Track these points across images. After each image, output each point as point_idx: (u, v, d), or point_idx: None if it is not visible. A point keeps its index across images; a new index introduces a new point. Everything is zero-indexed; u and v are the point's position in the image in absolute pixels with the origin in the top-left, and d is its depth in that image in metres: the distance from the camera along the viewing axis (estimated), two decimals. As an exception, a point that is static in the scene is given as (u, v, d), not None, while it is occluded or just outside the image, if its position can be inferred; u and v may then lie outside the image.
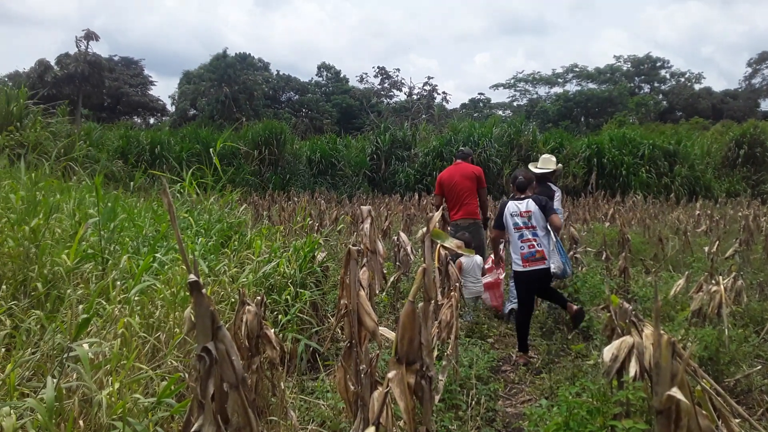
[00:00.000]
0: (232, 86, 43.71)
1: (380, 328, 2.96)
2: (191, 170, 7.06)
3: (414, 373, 2.44)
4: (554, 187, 6.99)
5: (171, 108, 52.64)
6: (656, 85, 63.46)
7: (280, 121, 27.16)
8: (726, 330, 4.56)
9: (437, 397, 3.93)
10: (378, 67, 51.23)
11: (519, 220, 5.47)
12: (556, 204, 6.73)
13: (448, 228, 7.62)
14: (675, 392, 1.61)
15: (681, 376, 1.67)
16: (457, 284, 4.77)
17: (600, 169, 22.09)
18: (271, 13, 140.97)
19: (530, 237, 5.42)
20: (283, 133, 23.60)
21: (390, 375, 2.42)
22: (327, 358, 4.79)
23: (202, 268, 4.77)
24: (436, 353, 4.56)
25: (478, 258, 6.67)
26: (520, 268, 5.42)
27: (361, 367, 2.89)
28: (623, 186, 21.68)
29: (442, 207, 5.47)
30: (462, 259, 6.47)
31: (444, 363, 4.17)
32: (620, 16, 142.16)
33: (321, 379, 4.40)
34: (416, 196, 18.44)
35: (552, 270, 5.45)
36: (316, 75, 58.20)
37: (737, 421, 3.76)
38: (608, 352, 3.23)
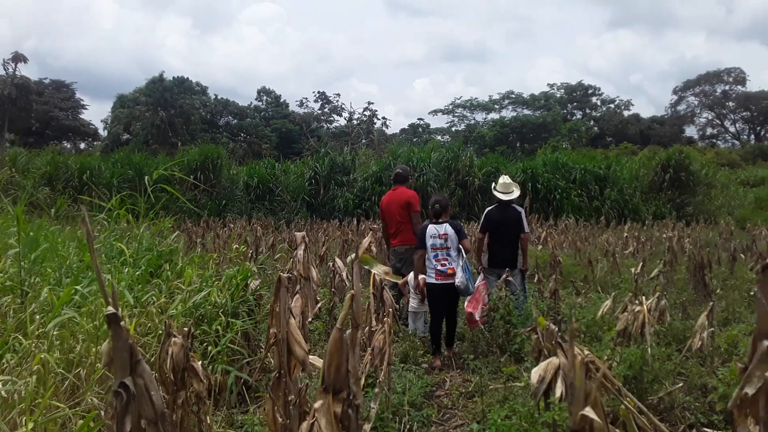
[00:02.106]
0: (168, 110, 42.97)
1: (311, 356, 2.93)
2: (119, 196, 6.86)
3: (341, 402, 2.42)
4: (519, 208, 7.38)
5: (103, 132, 51.30)
6: (588, 111, 65.93)
7: (217, 146, 26.73)
8: (649, 349, 4.72)
9: (368, 426, 3.91)
10: (318, 92, 51.56)
11: (437, 242, 6.24)
12: (525, 223, 7.36)
13: (390, 254, 7.70)
14: (588, 412, 1.66)
15: (594, 396, 1.72)
16: (391, 310, 4.77)
17: (534, 193, 22.70)
18: (210, 37, 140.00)
19: (445, 256, 6.21)
20: (220, 157, 23.28)
21: (316, 405, 2.38)
22: (258, 389, 4.69)
23: (128, 299, 4.62)
24: (369, 380, 4.56)
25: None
26: (432, 281, 6.19)
27: (289, 398, 2.85)
28: (556, 209, 22.33)
29: (367, 235, 5.56)
30: (410, 276, 6.64)
31: (376, 390, 4.16)
32: (555, 44, 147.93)
33: (251, 412, 4.30)
34: (355, 222, 18.46)
35: (456, 284, 6.07)
36: (256, 99, 57.94)
37: (660, 437, 3.88)
38: (535, 373, 3.29)
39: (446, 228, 6.29)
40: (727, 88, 66.76)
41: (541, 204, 22.54)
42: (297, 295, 4.73)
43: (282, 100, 57.26)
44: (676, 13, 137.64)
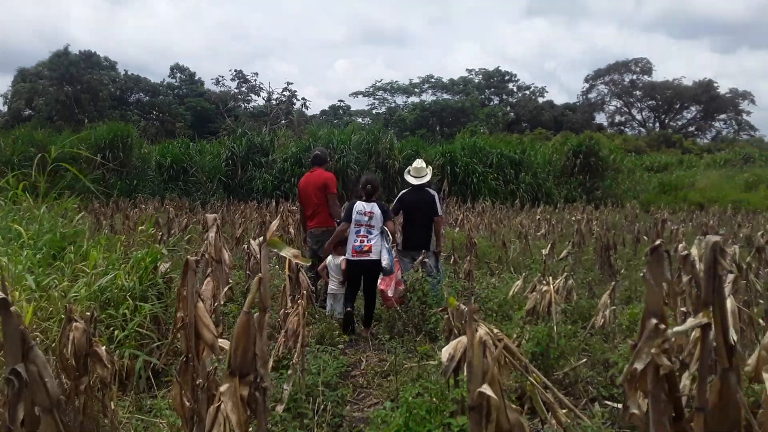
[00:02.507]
0: (74, 85, 40.70)
1: (220, 340, 2.87)
2: (12, 174, 6.46)
3: (248, 385, 2.39)
4: (432, 191, 7.46)
5: (2, 108, 48.02)
6: (505, 97, 67.48)
7: (127, 124, 25.59)
8: (555, 327, 4.92)
9: (281, 407, 3.89)
10: (235, 71, 49.90)
11: (362, 218, 6.46)
12: (439, 206, 7.45)
13: (306, 236, 7.64)
14: (485, 389, 1.70)
15: (492, 374, 1.77)
16: (306, 292, 4.74)
17: (453, 176, 23.11)
18: (120, 10, 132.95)
19: (365, 234, 6.44)
20: (131, 136, 22.31)
21: (222, 389, 2.35)
22: (167, 374, 4.57)
23: (29, 283, 4.38)
24: (284, 362, 4.52)
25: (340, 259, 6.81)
26: (350, 257, 6.47)
27: (198, 382, 2.79)
28: (474, 192, 22.84)
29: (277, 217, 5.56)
30: (328, 259, 6.77)
31: (290, 372, 4.14)
32: (474, 30, 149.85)
33: (161, 397, 4.19)
34: (274, 203, 18.21)
35: (383, 265, 6.29)
36: (169, 76, 55.58)
37: (564, 411, 4.06)
38: (446, 352, 3.36)
39: (374, 207, 6.51)
40: (634, 77, 70.02)
41: (459, 187, 22.97)
42: (208, 278, 4.62)
43: (197, 77, 55.34)
44: (589, 4, 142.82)
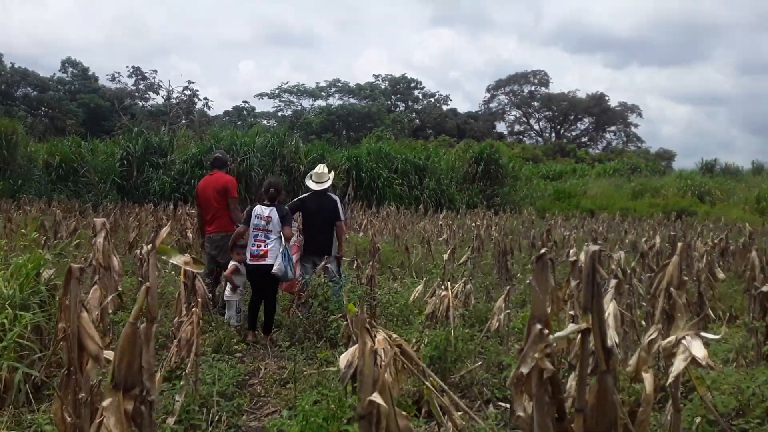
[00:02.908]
0: (-48, 77, 37.66)
1: (106, 351, 2.72)
2: None
3: (133, 399, 2.28)
4: (334, 196, 7.44)
5: None
6: (410, 103, 68.68)
7: (12, 120, 23.87)
8: (452, 331, 5.02)
9: (172, 419, 3.74)
10: (133, 67, 47.85)
11: (260, 223, 6.39)
12: (341, 211, 7.40)
13: (205, 241, 7.41)
14: (375, 397, 1.70)
15: (382, 381, 1.77)
16: (201, 300, 4.59)
17: (359, 181, 23.21)
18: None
19: (263, 238, 6.36)
20: (16, 132, 20.79)
21: (105, 403, 2.23)
22: (49, 387, 4.29)
23: None
24: (178, 372, 4.35)
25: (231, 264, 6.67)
26: (248, 261, 6.38)
27: (80, 396, 2.64)
28: (379, 197, 23.03)
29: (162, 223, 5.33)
30: (235, 263, 6.60)
31: (182, 383, 3.99)
32: (381, 37, 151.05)
33: (42, 411, 3.93)
34: (172, 206, 17.57)
35: (273, 270, 6.19)
36: (60, 71, 52.52)
37: (460, 413, 4.13)
38: (344, 358, 3.35)
39: (272, 212, 6.43)
40: (533, 88, 73.28)
41: (364, 192, 23.09)
42: (95, 286, 4.39)
43: (91, 73, 52.49)
44: (492, 16, 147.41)
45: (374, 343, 3.42)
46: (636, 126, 70.42)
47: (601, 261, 1.73)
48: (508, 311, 5.59)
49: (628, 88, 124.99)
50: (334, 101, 61.68)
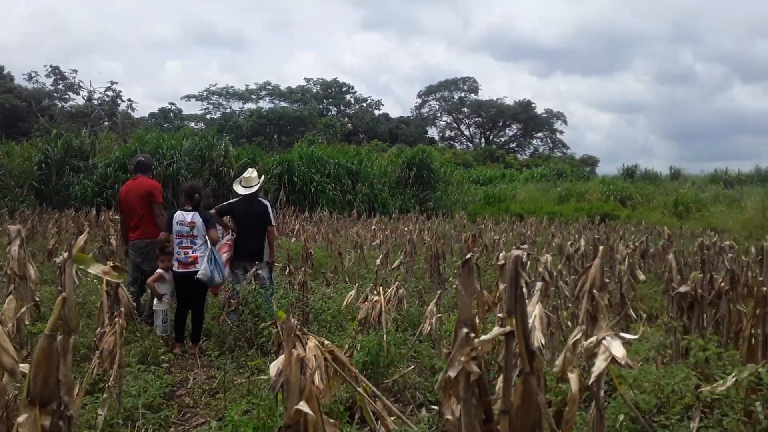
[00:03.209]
0: None
1: (22, 364, 2.58)
2: None
3: (50, 415, 2.18)
4: (265, 201, 7.35)
5: None
6: (342, 108, 68.70)
7: None
8: (385, 336, 5.03)
9: (94, 436, 3.59)
10: (51, 66, 45.75)
11: (183, 229, 6.24)
12: (272, 216, 7.33)
13: (129, 249, 7.15)
14: (302, 406, 1.68)
15: (309, 389, 1.75)
16: (123, 309, 4.43)
17: (291, 185, 22.98)
18: None
19: (188, 245, 6.23)
20: None
21: (20, 419, 2.13)
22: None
23: None
24: (101, 385, 4.18)
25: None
26: (176, 268, 6.22)
27: (-7, 414, 2.50)
28: (312, 202, 22.86)
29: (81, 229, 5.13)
30: (160, 271, 6.37)
31: (105, 396, 3.83)
32: (312, 40, 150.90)
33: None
34: (94, 212, 16.89)
35: (198, 275, 6.09)
36: (-31, 69, 49.68)
37: (393, 418, 4.14)
38: (274, 366, 3.30)
39: (194, 216, 6.29)
40: (462, 95, 74.69)
41: (297, 196, 22.88)
42: (10, 296, 4.17)
43: (6, 71, 49.90)
44: (421, 21, 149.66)
45: (304, 350, 3.41)
46: (561, 132, 72.95)
47: (524, 265, 1.77)
48: (439, 315, 5.65)
49: (554, 96, 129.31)
50: (265, 104, 61.04)
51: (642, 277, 8.45)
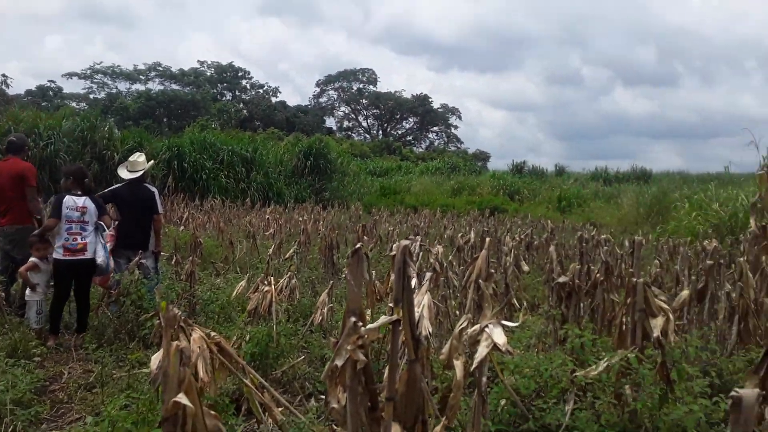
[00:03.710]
0: None
1: None
2: None
3: None
4: (152, 188, 7.05)
5: None
6: (238, 93, 67.09)
7: None
8: (275, 326, 4.96)
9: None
10: None
11: (73, 214, 5.90)
12: (159, 204, 7.01)
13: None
14: (181, 398, 1.61)
15: (189, 381, 1.68)
16: None
17: (181, 172, 22.13)
18: None
19: (78, 231, 5.90)
20: None
21: None
22: None
23: None
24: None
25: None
26: (60, 257, 5.84)
27: None
28: (203, 190, 22.13)
29: None
30: (35, 260, 5.91)
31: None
32: (207, 21, 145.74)
33: None
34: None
35: (98, 262, 5.92)
36: None
37: (280, 409, 4.09)
38: (155, 359, 3.17)
39: (86, 201, 6.03)
40: (361, 86, 74.99)
41: (187, 183, 22.07)
42: None
43: None
44: (321, 9, 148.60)
45: (188, 341, 3.29)
46: (456, 127, 75.03)
47: (412, 255, 1.78)
48: (331, 305, 5.65)
49: (450, 91, 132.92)
50: (155, 86, 58.53)
51: (526, 268, 8.85)
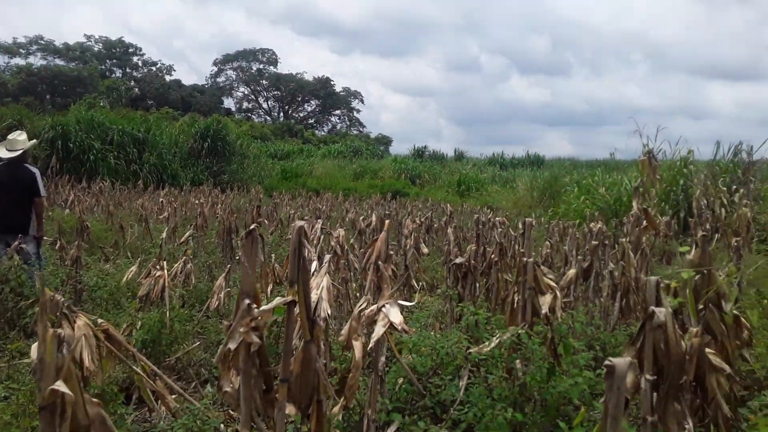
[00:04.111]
0: None
1: None
2: None
3: None
4: (33, 168, 6.60)
5: None
6: (129, 71, 63.78)
7: None
8: (168, 312, 4.79)
9: None
10: None
11: None
12: (41, 186, 6.56)
13: None
14: (59, 385, 1.52)
15: (67, 368, 1.59)
16: None
17: (65, 152, 20.84)
18: None
19: None
20: None
21: None
22: None
23: None
24: None
25: None
26: None
27: None
28: (90, 171, 20.94)
29: None
30: None
31: None
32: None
33: None
34: None
35: None
36: None
37: (174, 396, 3.97)
38: (35, 348, 2.99)
39: None
40: (261, 66, 73.35)
41: (72, 165, 20.81)
42: None
43: None
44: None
45: (72, 329, 3.12)
46: (358, 111, 75.13)
47: (307, 236, 1.76)
48: (228, 289, 5.52)
49: (352, 75, 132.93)
50: (36, 61, 54.42)
51: (425, 250, 9.04)
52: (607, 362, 1.26)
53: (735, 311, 3.46)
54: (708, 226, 9.66)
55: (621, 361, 1.24)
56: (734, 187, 11.89)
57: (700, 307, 3.30)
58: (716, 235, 9.44)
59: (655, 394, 2.42)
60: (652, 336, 2.20)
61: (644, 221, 7.23)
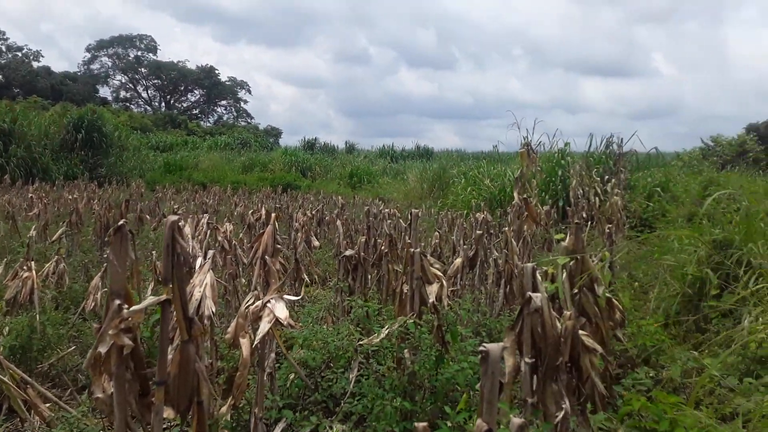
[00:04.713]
0: None
1: None
2: None
3: None
4: None
5: None
6: (-8, 57, 58.87)
7: None
8: (38, 316, 4.46)
9: None
10: None
11: None
12: None
13: None
14: None
15: None
16: None
17: None
18: None
19: None
20: None
21: None
22: None
23: None
24: None
25: None
26: None
27: None
28: (-52, 165, 19.20)
29: None
30: None
31: None
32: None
33: None
34: None
35: None
36: None
37: (48, 405, 3.70)
38: None
39: None
40: (139, 53, 69.90)
41: None
42: None
43: None
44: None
45: None
46: (246, 102, 73.48)
47: (181, 231, 1.67)
48: (105, 289, 5.20)
49: (238, 64, 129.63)
50: None
51: (317, 243, 8.98)
52: (481, 347, 1.29)
53: (608, 294, 3.69)
54: (584, 215, 10.27)
55: (495, 346, 1.28)
56: (606, 177, 12.69)
57: (575, 291, 3.49)
58: (591, 223, 10.05)
59: (535, 376, 2.53)
60: (530, 320, 2.29)
61: (525, 211, 7.57)
